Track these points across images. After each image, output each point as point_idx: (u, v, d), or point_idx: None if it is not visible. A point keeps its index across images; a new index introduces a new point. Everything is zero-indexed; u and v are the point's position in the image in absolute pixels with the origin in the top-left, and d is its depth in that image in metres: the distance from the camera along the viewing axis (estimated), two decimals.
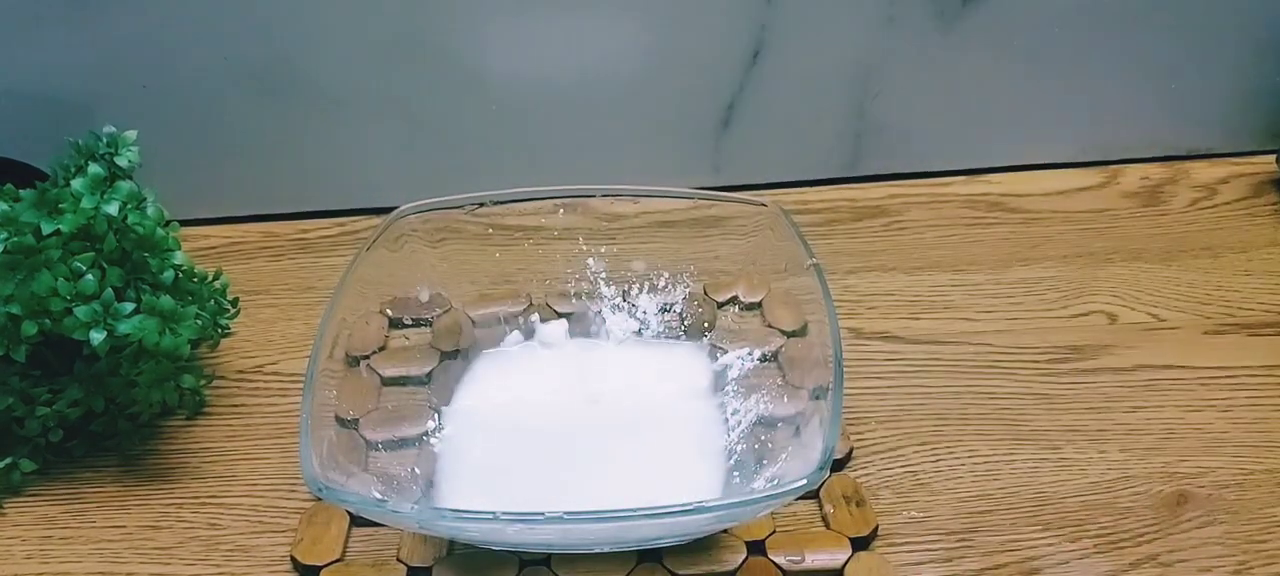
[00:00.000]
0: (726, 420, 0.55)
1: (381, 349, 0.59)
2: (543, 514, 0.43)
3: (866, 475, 0.54)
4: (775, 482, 0.49)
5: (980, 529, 0.52)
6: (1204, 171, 0.73)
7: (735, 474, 0.52)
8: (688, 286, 0.60)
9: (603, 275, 0.60)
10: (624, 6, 0.66)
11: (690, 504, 0.44)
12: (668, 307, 0.60)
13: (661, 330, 0.60)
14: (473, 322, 0.60)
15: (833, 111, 0.71)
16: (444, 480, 0.53)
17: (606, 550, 0.50)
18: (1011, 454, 0.55)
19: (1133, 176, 0.73)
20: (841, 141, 0.72)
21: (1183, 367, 0.60)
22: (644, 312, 0.60)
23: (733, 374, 0.57)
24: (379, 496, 0.49)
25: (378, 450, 0.54)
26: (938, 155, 0.74)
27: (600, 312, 0.60)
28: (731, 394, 0.56)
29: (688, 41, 0.68)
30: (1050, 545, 0.51)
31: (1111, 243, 0.68)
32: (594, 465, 0.53)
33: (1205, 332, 0.62)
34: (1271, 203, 0.71)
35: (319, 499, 0.53)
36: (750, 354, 0.57)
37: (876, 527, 0.52)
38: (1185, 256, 0.67)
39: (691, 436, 0.54)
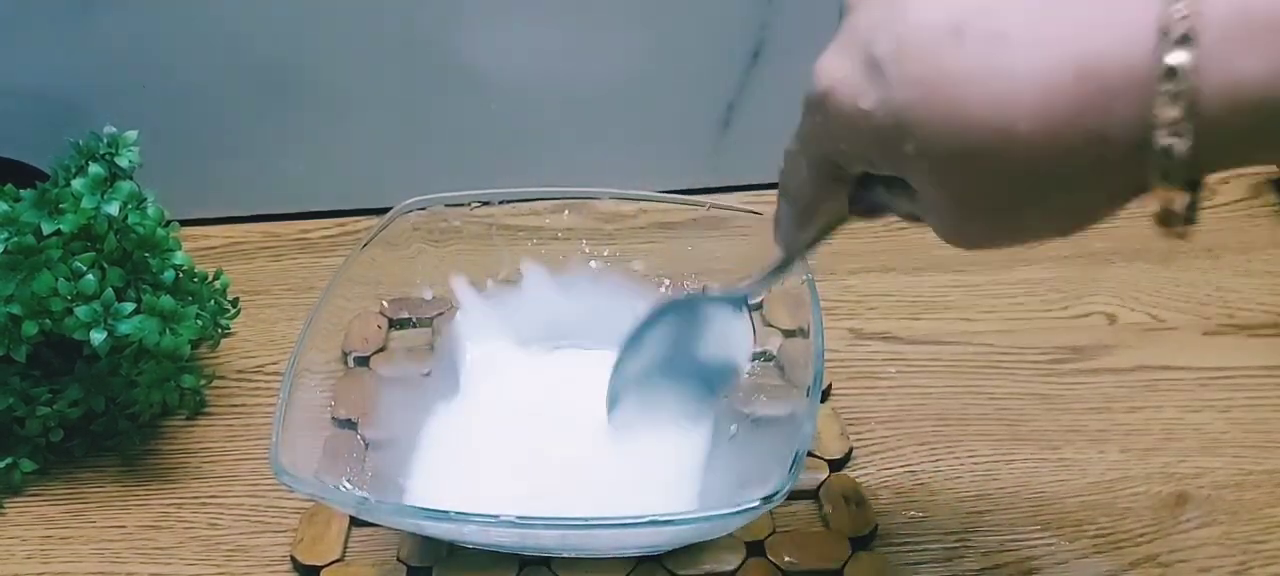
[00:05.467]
0: (716, 430, 0.54)
1: (381, 349, 0.59)
2: (498, 516, 0.44)
3: (866, 475, 0.54)
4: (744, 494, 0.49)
5: (980, 529, 0.52)
6: None
7: (713, 485, 0.52)
8: (687, 288, 0.60)
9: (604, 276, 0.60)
10: (624, 6, 0.66)
11: (644, 518, 0.44)
12: None
13: None
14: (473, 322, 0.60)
15: None
16: (418, 477, 0.53)
17: (570, 556, 0.50)
18: (1011, 454, 0.55)
19: None
20: None
21: (1182, 368, 0.60)
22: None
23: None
24: (346, 488, 0.49)
25: (376, 450, 0.54)
26: None
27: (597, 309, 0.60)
28: (724, 404, 0.56)
29: (688, 41, 0.68)
30: (1049, 545, 0.51)
31: (1111, 243, 0.68)
32: (572, 471, 0.52)
33: (1204, 333, 0.62)
34: (1271, 203, 0.71)
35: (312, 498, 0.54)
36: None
37: (876, 527, 0.52)
38: (1185, 257, 0.67)
39: (675, 446, 0.54)
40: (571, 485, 0.52)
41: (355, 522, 0.53)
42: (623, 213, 0.59)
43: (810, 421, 0.46)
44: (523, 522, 0.43)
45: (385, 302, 0.60)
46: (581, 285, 0.60)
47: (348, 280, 0.54)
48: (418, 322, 0.60)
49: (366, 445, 0.54)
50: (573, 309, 0.60)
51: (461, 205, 0.58)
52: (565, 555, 0.50)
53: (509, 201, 0.58)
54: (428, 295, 0.60)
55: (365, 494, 0.49)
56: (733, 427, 0.54)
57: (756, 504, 0.43)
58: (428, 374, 0.58)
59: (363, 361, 0.58)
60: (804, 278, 0.52)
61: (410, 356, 0.59)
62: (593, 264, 0.60)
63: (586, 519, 0.44)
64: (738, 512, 0.43)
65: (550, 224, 0.59)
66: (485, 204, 0.58)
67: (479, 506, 0.44)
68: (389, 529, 0.52)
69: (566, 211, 0.59)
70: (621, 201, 0.59)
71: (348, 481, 0.50)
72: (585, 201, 0.59)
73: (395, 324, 0.60)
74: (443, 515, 0.44)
